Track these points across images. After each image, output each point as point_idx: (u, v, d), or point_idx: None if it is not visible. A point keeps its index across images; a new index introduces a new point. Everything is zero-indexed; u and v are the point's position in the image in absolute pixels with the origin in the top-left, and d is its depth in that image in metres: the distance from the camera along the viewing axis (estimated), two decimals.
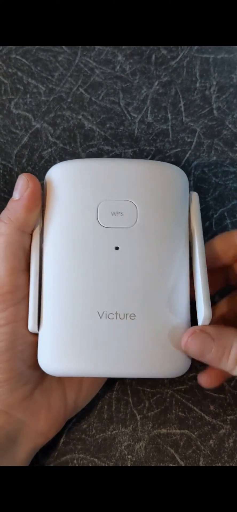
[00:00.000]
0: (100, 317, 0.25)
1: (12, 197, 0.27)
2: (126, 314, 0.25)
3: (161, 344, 0.25)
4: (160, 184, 0.27)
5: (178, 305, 0.26)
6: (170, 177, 0.27)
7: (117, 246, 0.26)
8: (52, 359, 0.26)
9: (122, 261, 0.26)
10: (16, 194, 0.27)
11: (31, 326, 0.26)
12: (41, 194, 0.27)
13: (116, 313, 0.25)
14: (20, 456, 0.27)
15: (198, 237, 0.27)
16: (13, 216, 0.26)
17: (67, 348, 0.25)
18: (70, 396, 0.29)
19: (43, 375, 0.28)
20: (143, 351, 0.25)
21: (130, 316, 0.25)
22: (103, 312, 0.25)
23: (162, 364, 0.25)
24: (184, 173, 0.28)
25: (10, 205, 0.27)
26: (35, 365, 0.27)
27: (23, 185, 0.27)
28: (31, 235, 0.27)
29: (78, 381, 0.29)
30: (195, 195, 0.28)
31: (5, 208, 0.27)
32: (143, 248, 0.26)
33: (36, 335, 0.27)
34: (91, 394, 0.30)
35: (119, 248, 0.26)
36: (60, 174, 0.27)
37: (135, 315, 0.25)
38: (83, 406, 0.30)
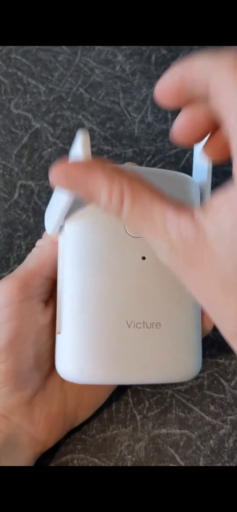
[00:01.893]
0: (129, 326, 0.25)
1: None
2: (153, 323, 0.26)
3: (181, 351, 0.26)
4: (183, 194, 0.27)
5: (197, 312, 0.27)
6: (190, 187, 0.28)
7: (144, 256, 0.26)
8: (77, 365, 0.25)
9: (149, 271, 0.26)
10: None
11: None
12: None
13: (144, 322, 0.26)
14: (20, 463, 0.27)
15: None
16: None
17: (96, 355, 0.25)
18: (71, 405, 0.28)
19: (44, 381, 0.28)
20: (167, 358, 0.26)
21: (156, 325, 0.26)
22: (132, 321, 0.26)
23: (181, 369, 0.26)
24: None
25: None
26: (36, 368, 0.27)
27: None
28: None
29: (80, 391, 0.29)
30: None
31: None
32: None
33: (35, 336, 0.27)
34: (92, 406, 0.30)
35: (146, 258, 0.26)
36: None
37: (160, 324, 0.26)
38: (84, 418, 0.29)
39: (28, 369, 0.27)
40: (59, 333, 0.26)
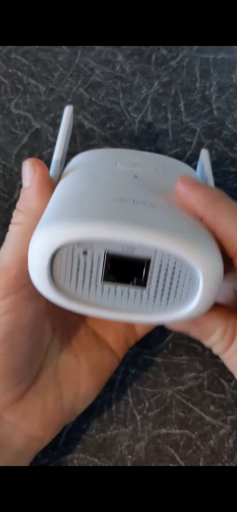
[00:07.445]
0: (114, 201, 0.21)
1: (23, 186, 0.25)
2: (145, 202, 0.22)
3: (190, 228, 0.21)
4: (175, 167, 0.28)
5: None
6: (184, 168, 0.29)
7: (136, 175, 0.25)
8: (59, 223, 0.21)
9: (141, 182, 0.24)
10: (26, 182, 0.25)
11: None
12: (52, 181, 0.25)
13: (133, 200, 0.22)
14: (17, 463, 0.26)
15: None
16: (30, 204, 0.24)
17: (78, 212, 0.21)
18: (68, 397, 0.27)
19: (37, 374, 0.27)
20: (174, 227, 0.21)
21: (149, 204, 0.21)
22: (121, 198, 0.22)
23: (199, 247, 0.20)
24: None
25: (23, 194, 0.25)
26: (31, 362, 0.26)
27: (29, 170, 0.25)
28: None
29: (76, 381, 0.28)
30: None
31: (20, 198, 0.25)
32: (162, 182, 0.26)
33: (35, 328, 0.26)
34: (90, 396, 0.29)
35: (138, 177, 0.25)
36: (77, 159, 0.28)
37: (154, 205, 0.22)
38: (81, 410, 0.29)
39: (26, 363, 0.25)
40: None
